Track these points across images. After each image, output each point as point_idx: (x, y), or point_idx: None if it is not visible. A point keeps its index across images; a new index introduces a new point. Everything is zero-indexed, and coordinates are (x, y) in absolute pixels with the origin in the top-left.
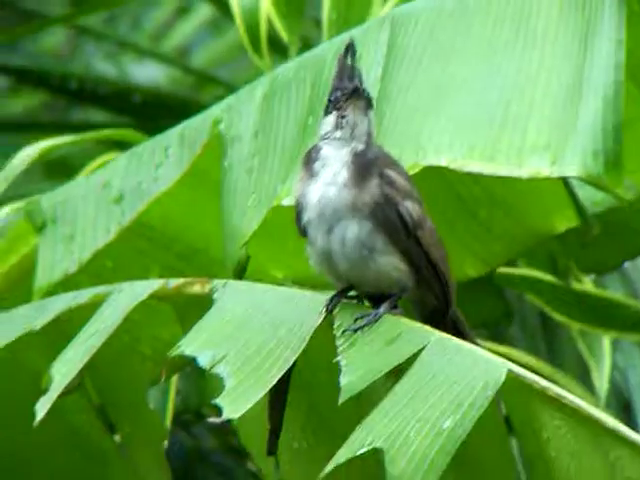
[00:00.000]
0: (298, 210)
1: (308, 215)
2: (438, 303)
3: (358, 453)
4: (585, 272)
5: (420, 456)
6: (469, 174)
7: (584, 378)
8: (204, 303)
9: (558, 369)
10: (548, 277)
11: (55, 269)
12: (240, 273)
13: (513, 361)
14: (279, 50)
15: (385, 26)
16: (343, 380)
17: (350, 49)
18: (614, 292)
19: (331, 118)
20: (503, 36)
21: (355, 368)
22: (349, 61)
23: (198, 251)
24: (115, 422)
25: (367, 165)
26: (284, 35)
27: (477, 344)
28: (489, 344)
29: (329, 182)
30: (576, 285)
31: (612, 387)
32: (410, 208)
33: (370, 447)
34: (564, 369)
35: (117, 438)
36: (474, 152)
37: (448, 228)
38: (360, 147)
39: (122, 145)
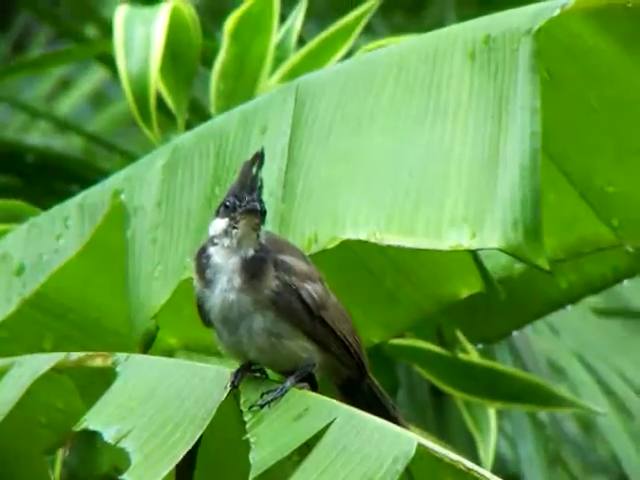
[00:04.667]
0: (199, 304)
1: (212, 318)
2: (351, 373)
3: None
4: (472, 342)
5: None
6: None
7: (472, 450)
8: (105, 376)
9: (446, 441)
10: (434, 348)
11: None
12: (147, 345)
13: None
14: (168, 117)
15: (289, 95)
16: (253, 457)
17: (258, 158)
18: (502, 363)
19: (222, 224)
20: (413, 107)
21: (264, 444)
22: (253, 170)
23: (93, 320)
24: None
25: (259, 264)
26: (172, 106)
27: (395, 414)
28: None
29: (226, 289)
30: (462, 356)
31: (500, 458)
32: (311, 290)
33: None
34: (452, 441)
35: None
36: (392, 225)
37: (352, 296)
38: (249, 253)
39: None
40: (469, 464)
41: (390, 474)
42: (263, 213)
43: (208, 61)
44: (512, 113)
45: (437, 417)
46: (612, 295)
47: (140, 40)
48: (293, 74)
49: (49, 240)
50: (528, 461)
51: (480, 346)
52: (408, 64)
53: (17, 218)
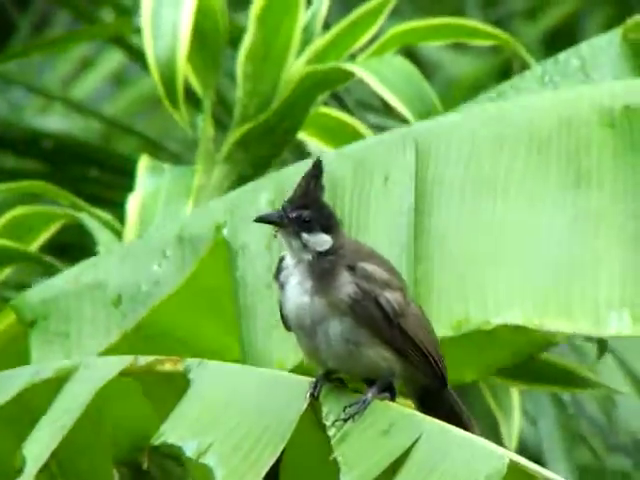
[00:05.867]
0: (280, 309)
1: (290, 323)
2: (429, 383)
3: None
4: None
5: None
6: None
7: (495, 431)
8: (174, 381)
9: None
10: None
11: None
12: None
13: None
14: (191, 102)
15: (408, 144)
16: (344, 477)
17: (315, 169)
18: None
19: None
20: (551, 174)
21: (352, 464)
22: (305, 182)
23: (185, 346)
24: None
25: (328, 268)
26: (198, 89)
27: (471, 427)
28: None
29: (297, 293)
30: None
31: (521, 437)
32: (390, 298)
33: None
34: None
35: None
36: (549, 308)
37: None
38: (307, 258)
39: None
40: None
41: None
42: (303, 221)
43: (233, 44)
44: None
45: (459, 397)
46: None
47: (168, 24)
48: (320, 57)
49: (146, 270)
50: (549, 439)
51: None
52: (540, 129)
53: (38, 199)
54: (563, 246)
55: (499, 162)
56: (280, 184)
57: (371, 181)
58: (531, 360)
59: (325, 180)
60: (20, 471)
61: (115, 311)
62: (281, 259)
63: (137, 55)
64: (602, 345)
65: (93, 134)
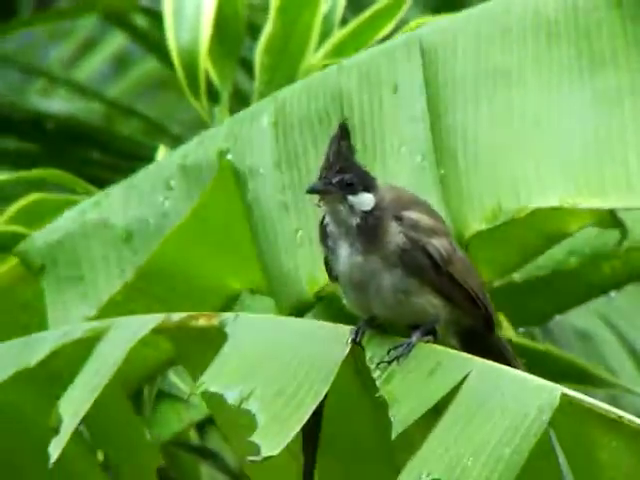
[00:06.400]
0: (325, 263)
1: (341, 282)
2: (475, 324)
3: None
4: (514, 326)
5: None
6: None
7: None
8: (208, 337)
9: None
10: None
11: (69, 309)
12: (299, 314)
13: None
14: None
15: (413, 49)
16: (393, 414)
17: (342, 132)
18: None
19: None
20: (564, 59)
21: (401, 401)
22: (336, 145)
23: (187, 281)
24: (107, 455)
25: (375, 223)
26: (217, 80)
27: (519, 368)
28: None
29: (350, 255)
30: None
31: None
32: (438, 245)
33: (429, 479)
34: None
35: None
36: (581, 188)
37: None
38: (355, 221)
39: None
40: (620, 412)
41: (536, 424)
42: (346, 185)
43: (251, 35)
44: None
45: None
46: None
47: (190, 14)
48: (339, 50)
49: (153, 203)
50: None
51: (521, 330)
52: (547, 14)
53: (40, 186)
54: (588, 125)
55: (509, 53)
56: (281, 105)
57: (379, 92)
58: (546, 358)
59: (330, 95)
60: (55, 430)
61: (126, 249)
62: (324, 224)
63: (139, 37)
64: (623, 231)
65: (95, 116)
